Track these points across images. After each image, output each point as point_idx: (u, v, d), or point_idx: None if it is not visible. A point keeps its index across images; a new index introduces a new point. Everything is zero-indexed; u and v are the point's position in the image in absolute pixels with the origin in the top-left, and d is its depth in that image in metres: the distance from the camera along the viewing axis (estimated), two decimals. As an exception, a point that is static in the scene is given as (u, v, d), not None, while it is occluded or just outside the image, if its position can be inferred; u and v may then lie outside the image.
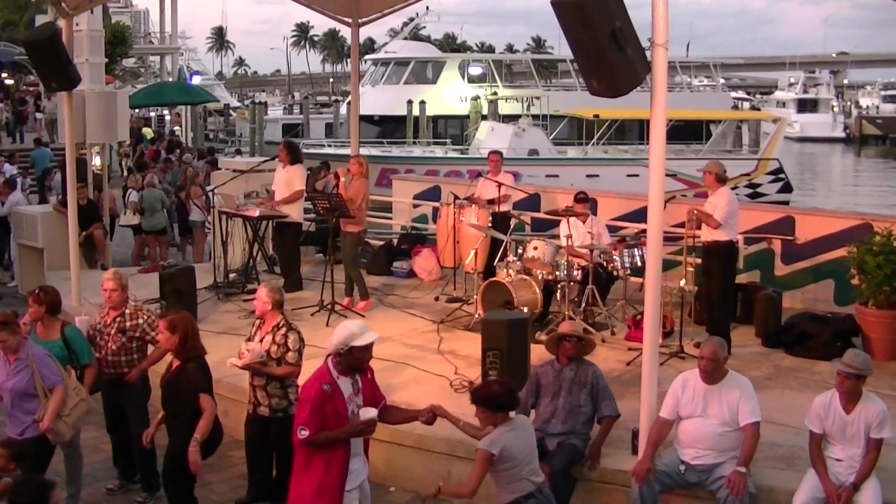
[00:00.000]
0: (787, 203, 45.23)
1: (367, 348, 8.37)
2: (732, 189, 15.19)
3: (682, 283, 14.47)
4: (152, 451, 10.83)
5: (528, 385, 10.51)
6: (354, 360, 8.31)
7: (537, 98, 59.98)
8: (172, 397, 9.75)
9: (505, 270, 15.71)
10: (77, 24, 19.71)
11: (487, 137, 53.78)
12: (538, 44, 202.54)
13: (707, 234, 14.09)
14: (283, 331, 10.62)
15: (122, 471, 11.63)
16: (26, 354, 10.03)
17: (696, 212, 14.00)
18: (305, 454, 8.31)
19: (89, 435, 11.82)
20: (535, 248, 15.68)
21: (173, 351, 9.88)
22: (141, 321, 11.20)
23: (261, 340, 10.58)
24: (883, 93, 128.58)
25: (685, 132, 53.56)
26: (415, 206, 23.09)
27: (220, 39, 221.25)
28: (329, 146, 56.39)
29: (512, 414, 8.56)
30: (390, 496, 11.23)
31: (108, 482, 11.67)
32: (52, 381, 10.11)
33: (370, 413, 8.29)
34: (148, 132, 52.82)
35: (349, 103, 28.35)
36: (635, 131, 56.00)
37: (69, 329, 11.02)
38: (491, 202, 17.63)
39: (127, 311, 11.24)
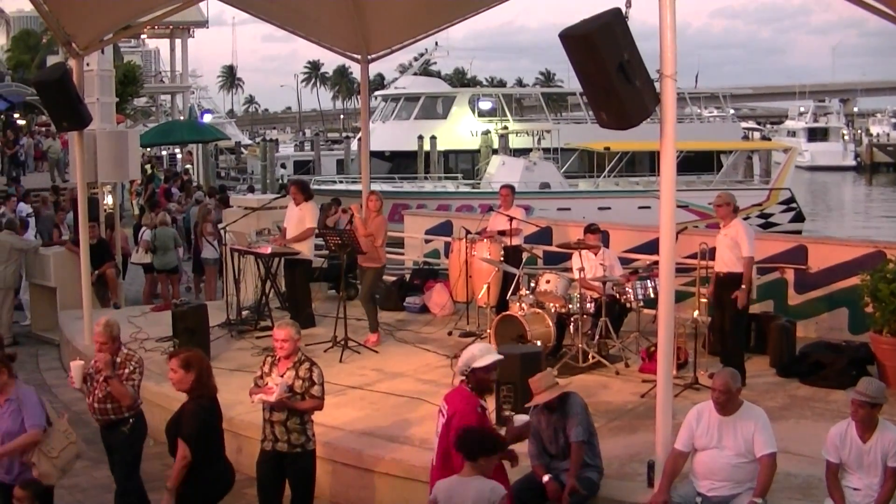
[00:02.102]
0: (799, 232, 45.24)
1: (490, 368, 8.93)
2: (745, 220, 15.13)
3: (696, 313, 14.45)
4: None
5: (532, 439, 10.42)
6: (479, 380, 8.90)
7: (548, 131, 59.99)
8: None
9: (517, 304, 15.68)
10: (87, 64, 19.79)
11: (498, 171, 53.84)
12: (548, 77, 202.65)
13: (721, 266, 14.07)
14: (306, 365, 10.50)
15: None
16: (16, 395, 9.95)
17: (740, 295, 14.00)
18: None
19: (102, 474, 11.76)
20: (548, 282, 15.67)
21: (187, 390, 9.74)
22: (128, 371, 10.77)
23: (281, 375, 10.42)
24: (893, 120, 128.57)
25: (696, 163, 53.63)
26: (427, 241, 23.13)
27: (230, 77, 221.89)
28: (340, 182, 56.45)
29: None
30: None
31: None
32: (30, 423, 9.99)
33: (523, 417, 9.02)
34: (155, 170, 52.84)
35: (360, 139, 28.40)
36: (646, 163, 55.98)
37: None
38: (502, 233, 17.63)
39: (118, 360, 10.84)
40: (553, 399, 10.20)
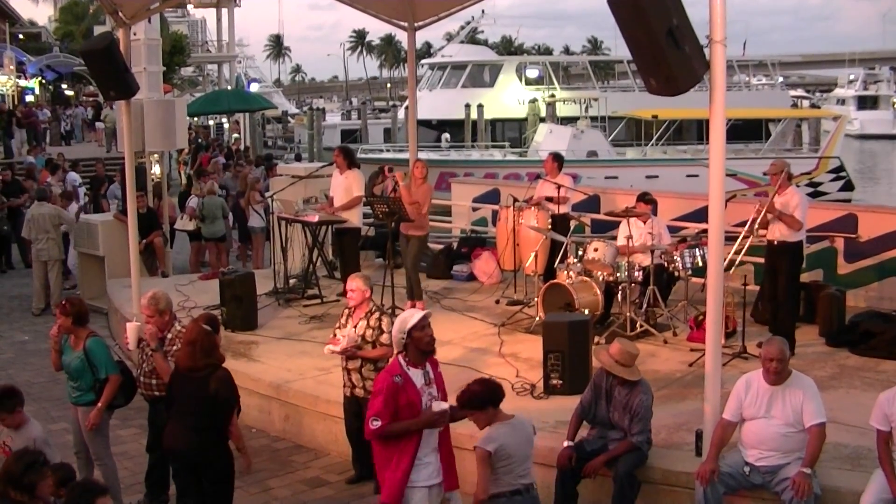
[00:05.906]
0: (848, 201, 44.84)
1: (423, 325, 8.67)
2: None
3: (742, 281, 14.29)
4: None
5: (590, 387, 10.41)
6: (416, 342, 8.63)
7: (595, 100, 59.83)
8: None
9: (565, 272, 15.63)
10: (134, 34, 19.78)
11: (546, 140, 53.70)
12: (595, 45, 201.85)
13: (774, 234, 13.91)
14: (377, 315, 11.15)
15: (150, 486, 11.22)
16: None
17: (776, 213, 13.75)
18: (381, 446, 8.61)
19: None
20: (596, 250, 15.60)
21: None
22: (175, 348, 10.54)
23: (354, 327, 11.06)
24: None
25: (744, 131, 53.23)
26: (474, 209, 23.12)
27: (277, 47, 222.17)
28: (388, 151, 56.46)
29: (509, 413, 8.75)
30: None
31: (135, 497, 11.27)
32: None
33: (442, 405, 8.62)
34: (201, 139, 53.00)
35: (407, 108, 28.38)
36: (694, 131, 55.67)
37: (90, 341, 10.73)
38: (549, 199, 17.54)
39: (168, 336, 10.78)
40: (612, 375, 10.18)
